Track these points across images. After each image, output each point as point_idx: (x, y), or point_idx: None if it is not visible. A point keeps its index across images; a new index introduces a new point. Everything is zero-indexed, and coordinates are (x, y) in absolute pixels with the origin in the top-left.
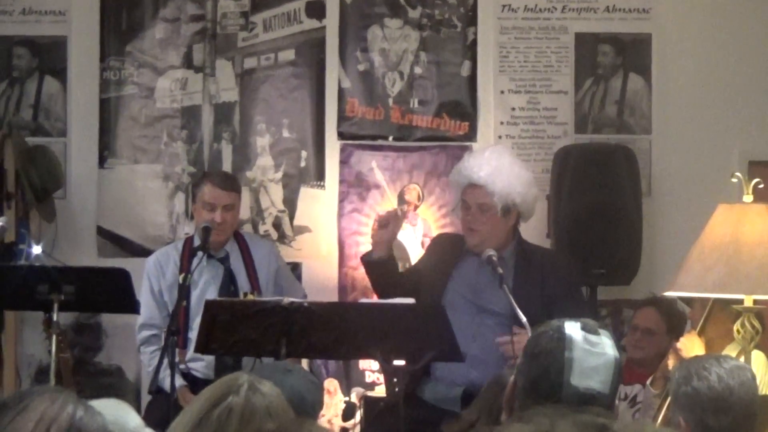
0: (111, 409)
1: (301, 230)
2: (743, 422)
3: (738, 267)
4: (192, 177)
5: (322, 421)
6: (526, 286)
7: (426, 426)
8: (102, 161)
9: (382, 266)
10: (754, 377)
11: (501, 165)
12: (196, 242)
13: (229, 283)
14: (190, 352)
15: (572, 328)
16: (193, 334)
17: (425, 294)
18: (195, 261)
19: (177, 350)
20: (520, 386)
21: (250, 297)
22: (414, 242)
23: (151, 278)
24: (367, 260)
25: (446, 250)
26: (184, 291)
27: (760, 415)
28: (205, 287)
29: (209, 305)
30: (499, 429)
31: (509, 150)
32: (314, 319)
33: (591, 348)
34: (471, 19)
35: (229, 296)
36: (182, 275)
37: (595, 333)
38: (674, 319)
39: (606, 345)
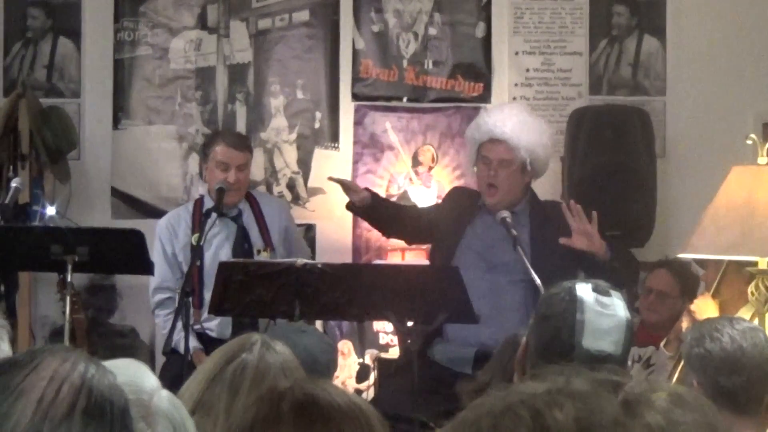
0: (127, 369)
1: (315, 191)
2: (756, 383)
3: (752, 229)
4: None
5: (336, 383)
6: (544, 240)
7: (439, 387)
8: (116, 122)
9: (367, 207)
10: (766, 338)
11: (523, 120)
12: (207, 203)
13: (242, 240)
14: (206, 313)
15: (583, 290)
16: (208, 294)
17: (438, 248)
18: (209, 222)
19: (192, 310)
20: (531, 348)
21: (264, 254)
22: (428, 204)
23: (163, 241)
24: (352, 208)
25: (462, 205)
26: (198, 252)
27: None
28: (219, 246)
29: (223, 266)
30: (514, 387)
31: (526, 106)
32: (328, 280)
33: (602, 309)
34: None
35: (243, 254)
36: (194, 235)
37: (607, 294)
38: (688, 282)
39: (617, 306)
